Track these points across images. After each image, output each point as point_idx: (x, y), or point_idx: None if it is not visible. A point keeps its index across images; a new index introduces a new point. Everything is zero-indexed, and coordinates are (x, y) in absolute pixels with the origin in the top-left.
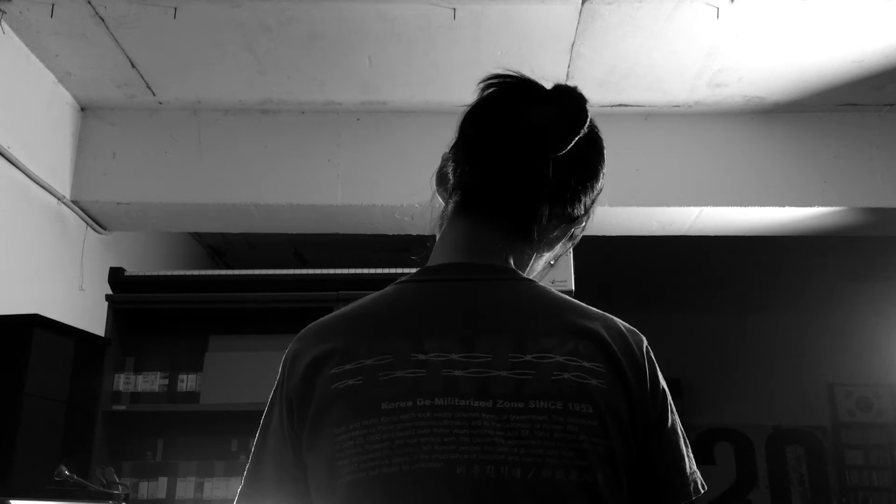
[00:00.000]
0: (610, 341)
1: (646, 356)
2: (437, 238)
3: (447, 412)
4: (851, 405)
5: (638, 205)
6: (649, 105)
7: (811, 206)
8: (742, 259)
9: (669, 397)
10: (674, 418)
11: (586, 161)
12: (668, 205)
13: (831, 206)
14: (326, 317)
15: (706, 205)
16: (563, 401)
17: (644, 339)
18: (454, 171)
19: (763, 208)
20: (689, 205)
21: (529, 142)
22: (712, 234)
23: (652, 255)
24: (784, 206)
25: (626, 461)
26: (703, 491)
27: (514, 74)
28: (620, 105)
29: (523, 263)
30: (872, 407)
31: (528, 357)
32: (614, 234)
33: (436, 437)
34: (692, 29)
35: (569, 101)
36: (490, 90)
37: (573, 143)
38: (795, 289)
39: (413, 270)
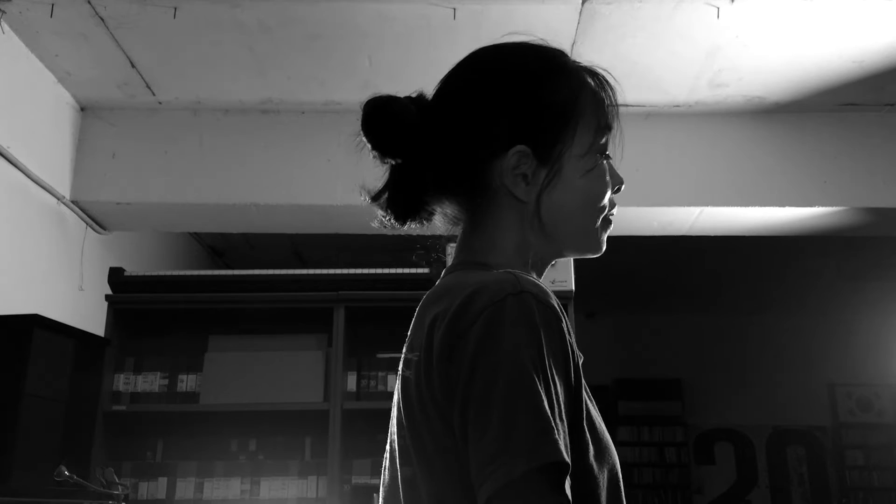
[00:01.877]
0: (436, 317)
1: (443, 331)
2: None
3: None
4: (852, 405)
5: (638, 205)
6: (649, 105)
7: (812, 206)
8: (742, 259)
9: (484, 365)
10: (475, 391)
11: (459, 107)
12: (668, 205)
13: (832, 206)
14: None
15: (706, 205)
16: (396, 396)
17: (491, 298)
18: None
19: (764, 208)
20: (689, 205)
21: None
22: (713, 234)
23: (652, 255)
24: (785, 206)
25: (444, 455)
26: (510, 477)
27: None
28: (621, 105)
29: (497, 227)
30: (873, 407)
31: (411, 355)
32: (614, 234)
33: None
34: (692, 29)
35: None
36: None
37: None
38: (796, 289)
39: (414, 270)
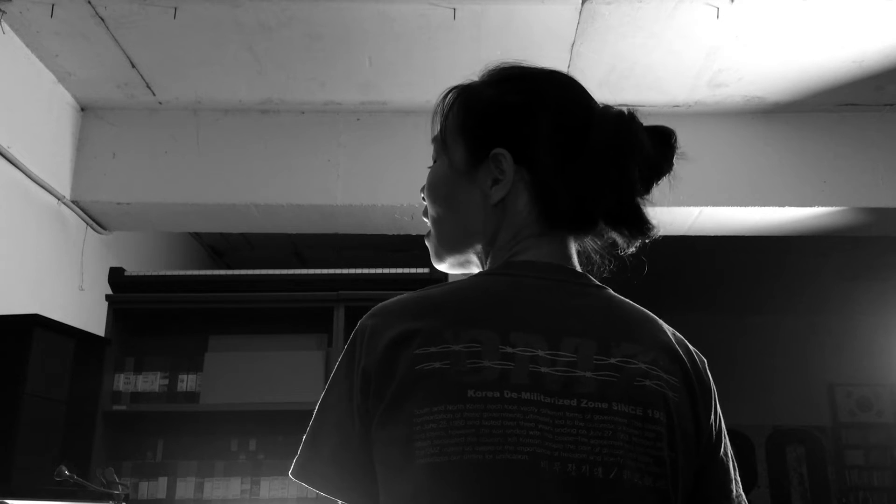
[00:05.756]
0: (683, 357)
1: (710, 377)
2: (511, 232)
3: (533, 406)
4: (851, 405)
5: None
6: (649, 105)
7: (811, 206)
8: (742, 259)
9: (723, 421)
10: (727, 441)
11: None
12: (668, 205)
13: (831, 206)
14: (402, 296)
15: (706, 205)
16: (644, 407)
17: (705, 360)
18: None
19: (763, 208)
20: (689, 205)
21: None
22: (712, 234)
23: (652, 255)
24: (784, 206)
25: (684, 476)
26: None
27: None
28: (620, 105)
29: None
30: (872, 407)
31: (613, 360)
32: None
33: (522, 429)
34: (692, 29)
35: None
36: None
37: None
38: (795, 289)
39: (414, 270)
